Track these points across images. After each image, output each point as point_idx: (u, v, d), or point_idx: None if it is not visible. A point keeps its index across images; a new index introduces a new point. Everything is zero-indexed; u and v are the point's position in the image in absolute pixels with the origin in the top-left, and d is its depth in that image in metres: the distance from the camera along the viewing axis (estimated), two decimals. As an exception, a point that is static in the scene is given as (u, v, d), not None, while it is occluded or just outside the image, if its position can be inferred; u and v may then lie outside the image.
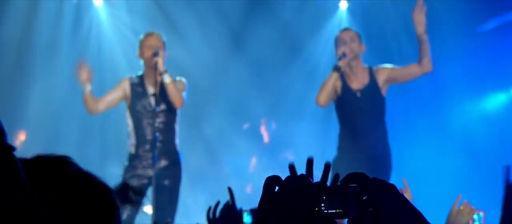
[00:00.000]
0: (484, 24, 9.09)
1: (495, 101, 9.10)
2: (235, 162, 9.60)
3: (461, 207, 3.73)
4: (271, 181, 1.52)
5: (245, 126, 9.72)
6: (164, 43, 6.41)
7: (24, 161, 1.48)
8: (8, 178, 1.27)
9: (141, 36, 6.49)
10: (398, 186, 1.50)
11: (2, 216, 1.24)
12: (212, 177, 9.37)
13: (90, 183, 1.54)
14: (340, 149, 6.71)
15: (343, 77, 6.69)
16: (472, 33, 9.05)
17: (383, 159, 6.67)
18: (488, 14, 9.01)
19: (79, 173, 1.55)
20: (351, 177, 1.52)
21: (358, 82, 6.67)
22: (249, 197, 9.08)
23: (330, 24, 9.51)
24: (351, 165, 6.50)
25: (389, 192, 1.47)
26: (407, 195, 4.13)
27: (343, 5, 9.46)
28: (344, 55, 6.55)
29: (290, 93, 9.58)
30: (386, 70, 6.79)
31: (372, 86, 6.67)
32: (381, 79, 6.72)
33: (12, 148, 1.30)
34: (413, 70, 6.75)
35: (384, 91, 6.72)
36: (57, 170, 1.50)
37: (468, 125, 9.02)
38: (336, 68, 6.59)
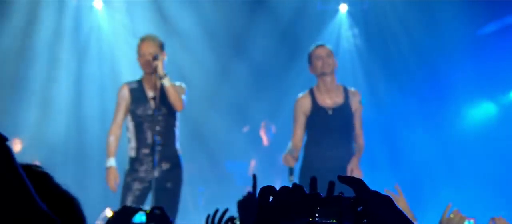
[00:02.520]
0: (484, 27, 9.09)
1: (496, 103, 9.10)
2: (235, 165, 9.59)
3: (451, 215, 3.72)
4: (266, 191, 1.51)
5: (245, 129, 9.72)
6: (162, 45, 6.39)
7: None
8: (2, 170, 1.26)
9: (138, 41, 6.48)
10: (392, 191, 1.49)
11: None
12: (212, 180, 9.37)
13: (59, 197, 1.52)
14: (306, 156, 6.73)
15: (313, 95, 6.69)
16: (472, 36, 9.05)
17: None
18: (488, 18, 9.01)
19: (48, 184, 1.53)
20: (348, 180, 1.51)
21: (330, 100, 6.66)
22: (248, 200, 9.08)
23: (330, 28, 9.51)
24: (316, 174, 6.49)
25: (384, 203, 1.46)
26: (402, 202, 4.12)
27: (343, 9, 9.46)
28: (291, 170, 6.56)
29: (290, 96, 9.55)
30: (359, 106, 6.76)
31: (345, 106, 6.67)
32: (353, 104, 6.72)
33: (5, 138, 1.29)
34: (357, 133, 6.73)
35: (353, 112, 6.73)
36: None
37: (467, 128, 9.02)
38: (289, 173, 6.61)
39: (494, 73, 8.90)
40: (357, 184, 1.50)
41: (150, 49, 6.29)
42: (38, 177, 1.52)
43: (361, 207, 1.47)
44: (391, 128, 9.16)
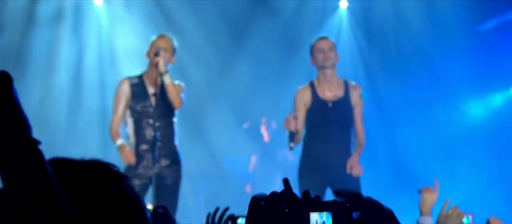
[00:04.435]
0: (484, 23, 9.10)
1: (495, 99, 9.11)
2: (235, 161, 9.60)
3: (449, 211, 3.73)
4: (256, 200, 1.52)
5: (245, 125, 9.72)
6: (174, 48, 6.44)
7: (71, 161, 1.48)
8: (35, 175, 1.26)
9: (154, 36, 6.54)
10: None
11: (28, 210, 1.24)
12: (213, 176, 9.38)
13: (127, 200, 1.53)
14: (304, 151, 6.74)
15: (313, 87, 6.70)
16: (472, 32, 9.06)
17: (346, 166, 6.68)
18: (488, 14, 9.02)
19: (120, 186, 1.54)
20: (346, 194, 1.51)
21: (331, 92, 6.67)
22: (248, 196, 9.07)
23: (330, 24, 9.52)
24: (315, 169, 6.54)
25: (386, 217, 1.47)
26: (434, 196, 4.11)
27: (343, 5, 9.46)
28: (292, 135, 6.54)
29: (290, 92, 9.55)
30: (359, 100, 6.77)
31: (345, 100, 6.68)
32: (354, 98, 6.73)
33: (37, 142, 1.30)
34: (358, 128, 6.74)
35: (353, 106, 6.74)
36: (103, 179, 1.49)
37: (467, 124, 9.03)
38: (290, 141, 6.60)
39: (494, 68, 8.91)
40: (352, 195, 1.50)
41: (161, 45, 6.34)
42: (113, 177, 1.53)
43: (359, 215, 1.47)
44: (391, 123, 9.17)
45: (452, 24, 8.97)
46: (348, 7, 9.47)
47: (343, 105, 6.67)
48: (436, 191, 4.13)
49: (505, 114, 8.91)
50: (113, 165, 1.54)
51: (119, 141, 6.42)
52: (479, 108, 9.10)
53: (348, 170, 6.57)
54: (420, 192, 4.13)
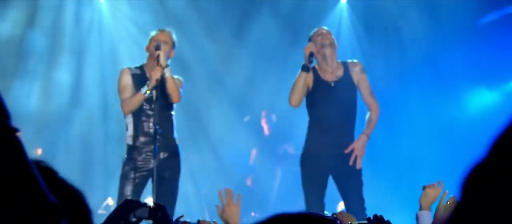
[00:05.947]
0: (484, 17, 9.10)
1: (495, 93, 9.12)
2: (236, 154, 9.62)
3: (448, 202, 3.75)
4: None
5: (246, 118, 9.74)
6: (173, 42, 6.45)
7: None
8: (13, 160, 1.27)
9: (153, 32, 6.55)
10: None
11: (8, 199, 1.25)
12: (213, 169, 9.39)
13: (65, 191, 1.54)
14: (308, 142, 6.73)
15: (315, 71, 6.72)
16: (472, 26, 9.06)
17: (350, 158, 6.65)
18: (488, 7, 9.02)
19: (54, 179, 1.55)
20: None
21: (332, 74, 6.69)
22: (249, 189, 9.11)
23: (330, 17, 9.52)
24: (318, 161, 6.53)
25: None
26: (437, 193, 4.12)
27: (343, -1, 9.48)
28: (311, 55, 6.56)
29: (291, 86, 9.58)
30: (361, 75, 6.77)
31: (347, 79, 6.70)
32: (355, 75, 6.74)
33: (16, 130, 1.30)
34: (368, 102, 6.72)
35: (357, 85, 6.74)
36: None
37: (468, 117, 9.04)
38: (305, 68, 6.59)
39: (495, 62, 8.92)
40: None
41: (161, 38, 6.36)
42: (43, 172, 1.54)
43: None
44: (391, 117, 9.18)
45: (452, 18, 8.97)
46: (348, 1, 9.47)
47: (344, 84, 6.67)
48: (440, 190, 4.14)
49: (506, 107, 8.92)
50: (42, 161, 1.56)
51: (142, 91, 6.34)
52: (480, 101, 9.11)
53: (347, 151, 6.56)
54: (424, 188, 4.14)
